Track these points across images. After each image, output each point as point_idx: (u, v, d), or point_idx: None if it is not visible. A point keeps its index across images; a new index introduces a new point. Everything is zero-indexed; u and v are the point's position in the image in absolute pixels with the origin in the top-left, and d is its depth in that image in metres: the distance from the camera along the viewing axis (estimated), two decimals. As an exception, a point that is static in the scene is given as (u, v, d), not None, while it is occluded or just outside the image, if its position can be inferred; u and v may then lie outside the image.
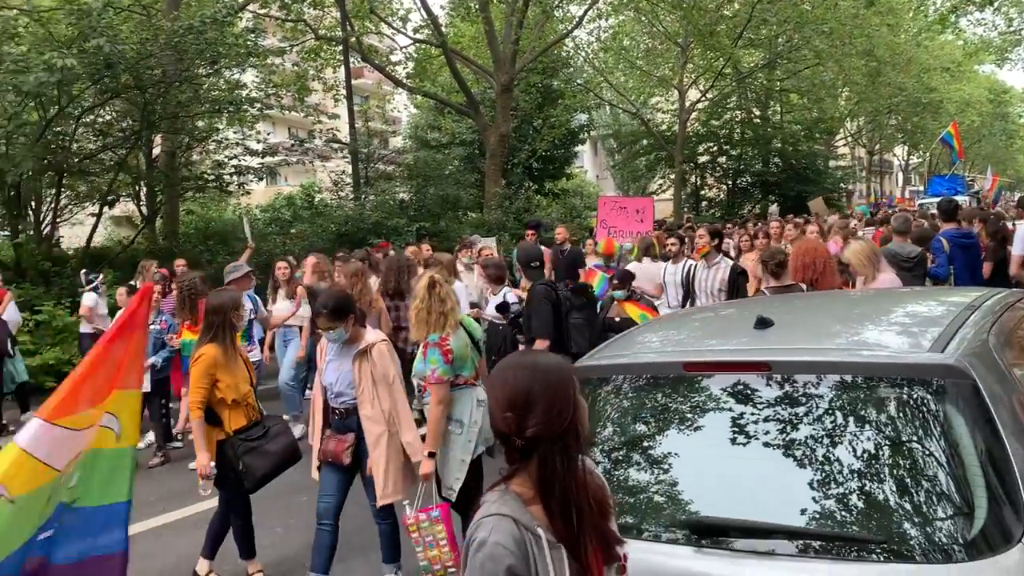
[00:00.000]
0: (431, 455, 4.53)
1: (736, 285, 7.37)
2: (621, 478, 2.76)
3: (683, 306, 7.84)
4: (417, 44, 22.32)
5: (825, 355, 2.75)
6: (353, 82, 20.45)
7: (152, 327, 7.55)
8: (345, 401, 4.66)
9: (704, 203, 33.43)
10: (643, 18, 26.28)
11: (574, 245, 11.60)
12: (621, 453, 2.89)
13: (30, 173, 11.94)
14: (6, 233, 13.41)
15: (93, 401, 3.03)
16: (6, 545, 2.77)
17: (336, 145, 20.22)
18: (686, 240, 9.82)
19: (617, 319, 7.26)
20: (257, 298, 7.95)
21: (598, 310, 7.39)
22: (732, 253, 11.50)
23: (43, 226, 13.52)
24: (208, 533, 5.13)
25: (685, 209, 29.13)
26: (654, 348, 3.37)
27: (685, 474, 2.71)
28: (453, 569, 4.33)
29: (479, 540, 1.77)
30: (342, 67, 20.10)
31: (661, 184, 34.37)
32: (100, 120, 14.12)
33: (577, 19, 22.94)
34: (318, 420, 4.77)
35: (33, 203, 13.40)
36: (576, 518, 1.82)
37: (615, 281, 7.66)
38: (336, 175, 20.76)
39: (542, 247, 10.47)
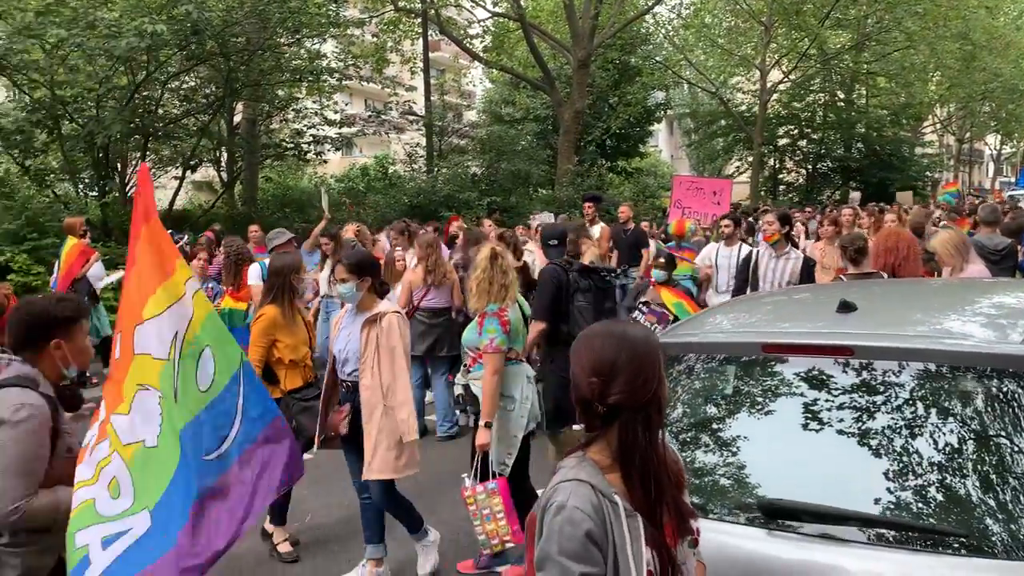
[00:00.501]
0: (487, 425, 4.50)
1: (810, 279, 6.98)
2: (691, 458, 2.73)
3: (736, 293, 7.37)
4: (495, 17, 22.25)
5: (912, 342, 2.66)
6: (430, 55, 20.52)
7: None
8: (351, 373, 4.55)
9: (782, 187, 32.64)
10: (727, -5, 25.69)
11: (638, 225, 11.40)
12: (691, 434, 2.86)
13: (118, 136, 12.35)
14: (94, 194, 13.91)
15: (163, 277, 3.02)
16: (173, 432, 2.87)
17: (411, 117, 20.38)
18: (742, 223, 9.45)
19: (653, 305, 6.96)
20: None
21: (620, 294, 7.02)
22: (808, 239, 11.21)
23: (128, 188, 13.99)
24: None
25: (762, 193, 28.50)
26: (728, 329, 3.31)
27: (758, 457, 2.67)
28: (511, 543, 4.34)
29: (557, 504, 1.76)
30: (420, 39, 20.18)
31: (738, 167, 33.68)
32: (185, 86, 14.50)
33: (659, -5, 22.55)
34: (324, 393, 4.73)
35: (119, 165, 13.87)
36: (655, 488, 1.81)
37: (660, 260, 7.27)
38: (410, 147, 20.92)
39: (602, 225, 10.29)
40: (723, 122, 31.12)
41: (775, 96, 28.95)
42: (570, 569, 1.71)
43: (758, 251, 7.34)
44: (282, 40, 14.32)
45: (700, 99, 33.09)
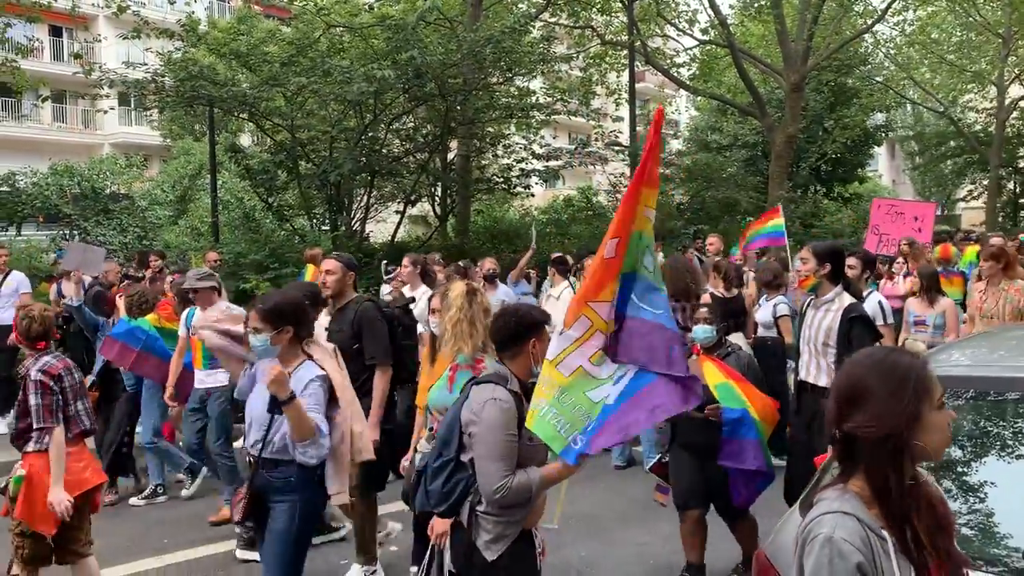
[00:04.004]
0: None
1: (849, 336, 4.76)
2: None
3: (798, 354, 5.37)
4: (703, 45, 22.01)
5: None
6: (636, 85, 20.62)
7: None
8: (254, 445, 3.79)
9: (1024, 213, 29.63)
10: (958, 8, 23.82)
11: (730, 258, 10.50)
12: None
13: (348, 174, 13.40)
14: (326, 227, 15.12)
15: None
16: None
17: (616, 148, 20.53)
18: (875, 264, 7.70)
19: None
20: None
21: None
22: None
23: (354, 222, 15.10)
24: None
25: (1000, 219, 26.00)
26: (982, 362, 3.06)
27: (1010, 505, 2.45)
28: None
29: (823, 536, 1.69)
30: (625, 71, 20.34)
31: (971, 191, 30.96)
32: (406, 127, 15.48)
33: (880, 13, 21.34)
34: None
35: (346, 201, 15.03)
36: (918, 531, 1.71)
37: (703, 313, 5.12)
38: (615, 178, 21.07)
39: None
40: (953, 143, 28.79)
41: (1015, 114, 26.45)
42: None
43: (805, 300, 5.32)
44: (494, 79, 14.93)
45: (926, 120, 30.87)
